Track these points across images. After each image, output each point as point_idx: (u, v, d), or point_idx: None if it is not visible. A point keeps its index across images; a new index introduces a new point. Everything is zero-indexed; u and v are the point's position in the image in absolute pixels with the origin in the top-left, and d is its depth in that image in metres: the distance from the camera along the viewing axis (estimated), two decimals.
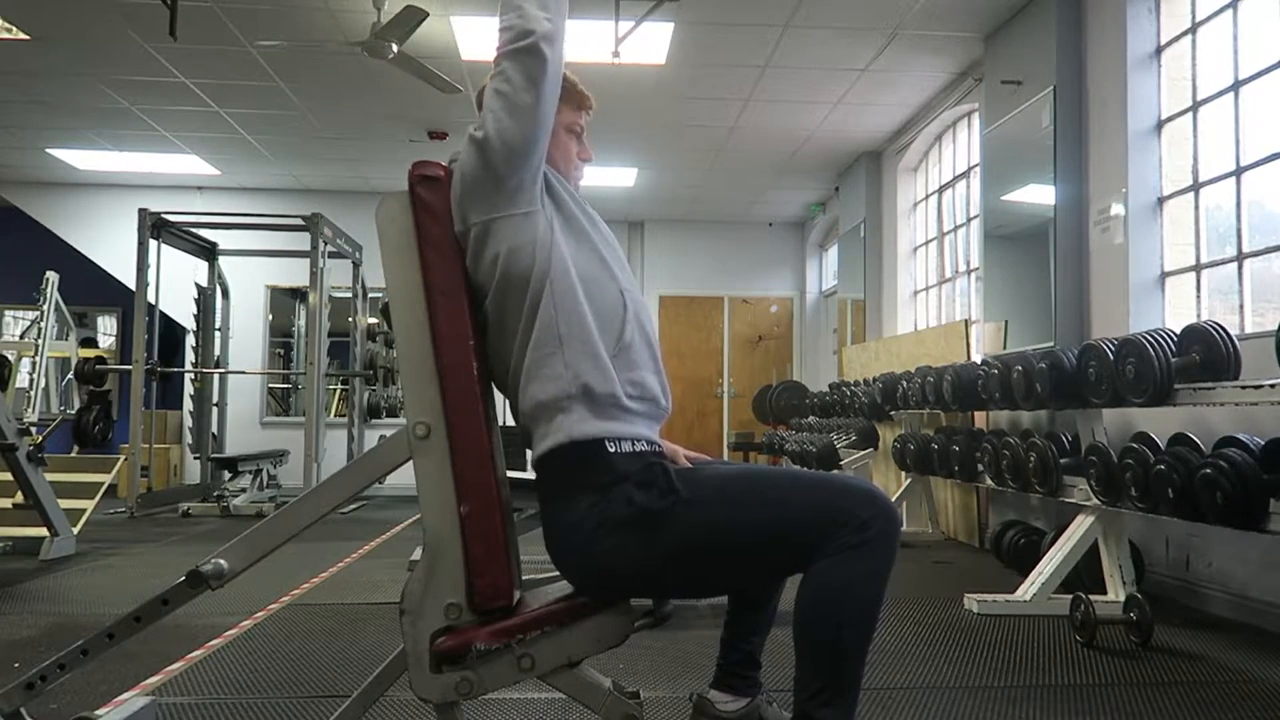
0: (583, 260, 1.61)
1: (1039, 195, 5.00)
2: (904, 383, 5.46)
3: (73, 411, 7.33)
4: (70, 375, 7.82)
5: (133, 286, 7.09)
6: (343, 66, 5.97)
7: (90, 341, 10.12)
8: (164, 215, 7.15)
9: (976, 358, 5.41)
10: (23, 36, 5.62)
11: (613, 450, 1.54)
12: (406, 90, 6.15)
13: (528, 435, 1.62)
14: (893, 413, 5.93)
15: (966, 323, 5.78)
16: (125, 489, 7.17)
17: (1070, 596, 3.30)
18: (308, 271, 7.04)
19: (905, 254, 7.64)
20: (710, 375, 10.35)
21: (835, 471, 5.81)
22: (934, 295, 7.19)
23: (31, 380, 7.08)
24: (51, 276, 7.22)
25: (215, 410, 8.13)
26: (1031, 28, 5.03)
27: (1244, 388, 2.93)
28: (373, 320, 8.70)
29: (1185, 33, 4.28)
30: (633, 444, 1.57)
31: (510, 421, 1.69)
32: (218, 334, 8.25)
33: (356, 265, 8.34)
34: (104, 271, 9.08)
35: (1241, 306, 3.91)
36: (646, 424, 1.62)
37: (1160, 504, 3.16)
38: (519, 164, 1.55)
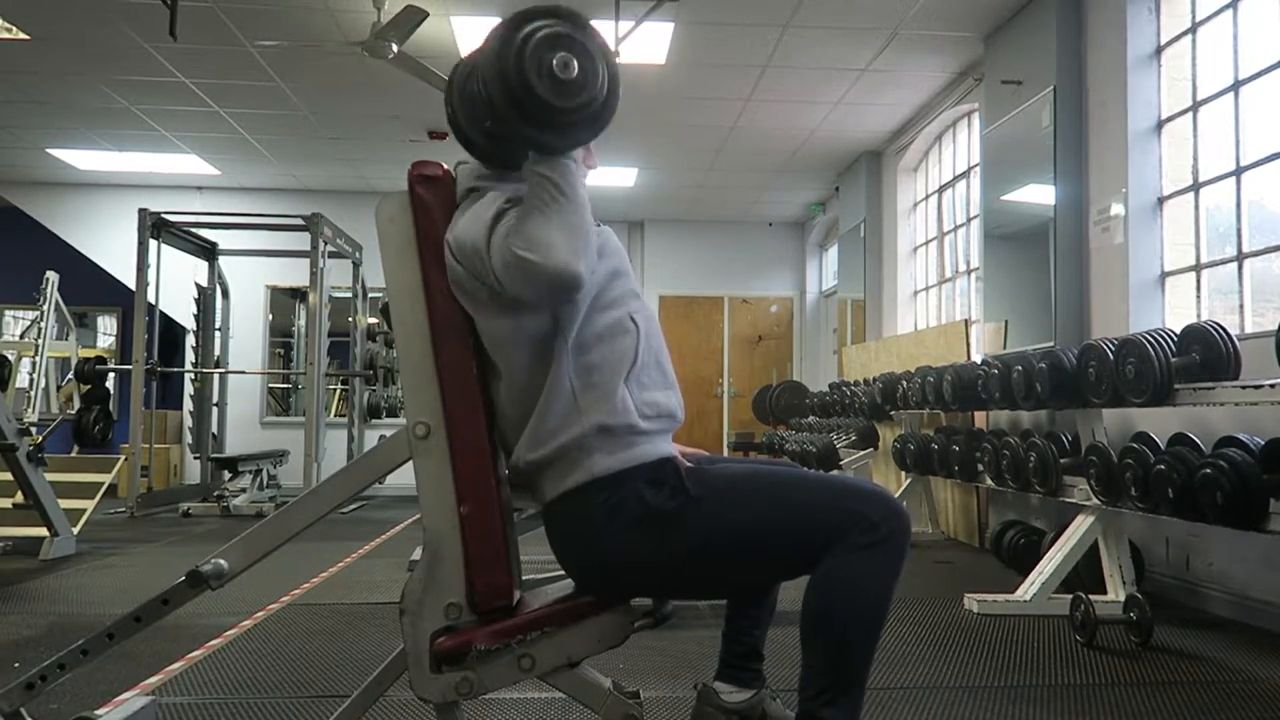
0: (590, 288, 1.54)
1: (1039, 195, 5.00)
2: (904, 383, 5.46)
3: (73, 411, 7.34)
4: (70, 376, 7.83)
5: (133, 286, 7.09)
6: (343, 66, 5.97)
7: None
8: (164, 215, 7.15)
9: (976, 358, 5.41)
10: (23, 36, 5.61)
11: (627, 469, 1.53)
12: (406, 90, 6.14)
13: (532, 481, 1.58)
14: (893, 413, 5.93)
15: (966, 323, 5.78)
16: (125, 489, 7.17)
17: (1070, 596, 3.30)
18: (308, 271, 7.04)
19: (905, 254, 7.63)
20: (710, 375, 10.35)
21: (844, 473, 5.81)
22: (934, 295, 7.19)
23: (31, 380, 7.09)
24: (51, 276, 7.24)
25: (215, 410, 8.12)
26: (1031, 28, 5.03)
27: (1244, 388, 2.93)
28: (373, 320, 8.70)
29: (1185, 33, 4.28)
30: (647, 461, 1.55)
31: None
32: (218, 334, 8.24)
33: (356, 265, 8.34)
34: (104, 271, 9.08)
35: (1241, 306, 3.91)
36: (663, 439, 1.60)
37: (1160, 504, 3.16)
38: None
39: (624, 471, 1.52)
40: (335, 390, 10.12)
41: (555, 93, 1.42)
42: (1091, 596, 3.23)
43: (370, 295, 8.67)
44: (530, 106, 1.42)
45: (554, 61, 1.42)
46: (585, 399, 1.53)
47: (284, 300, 9.86)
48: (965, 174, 6.55)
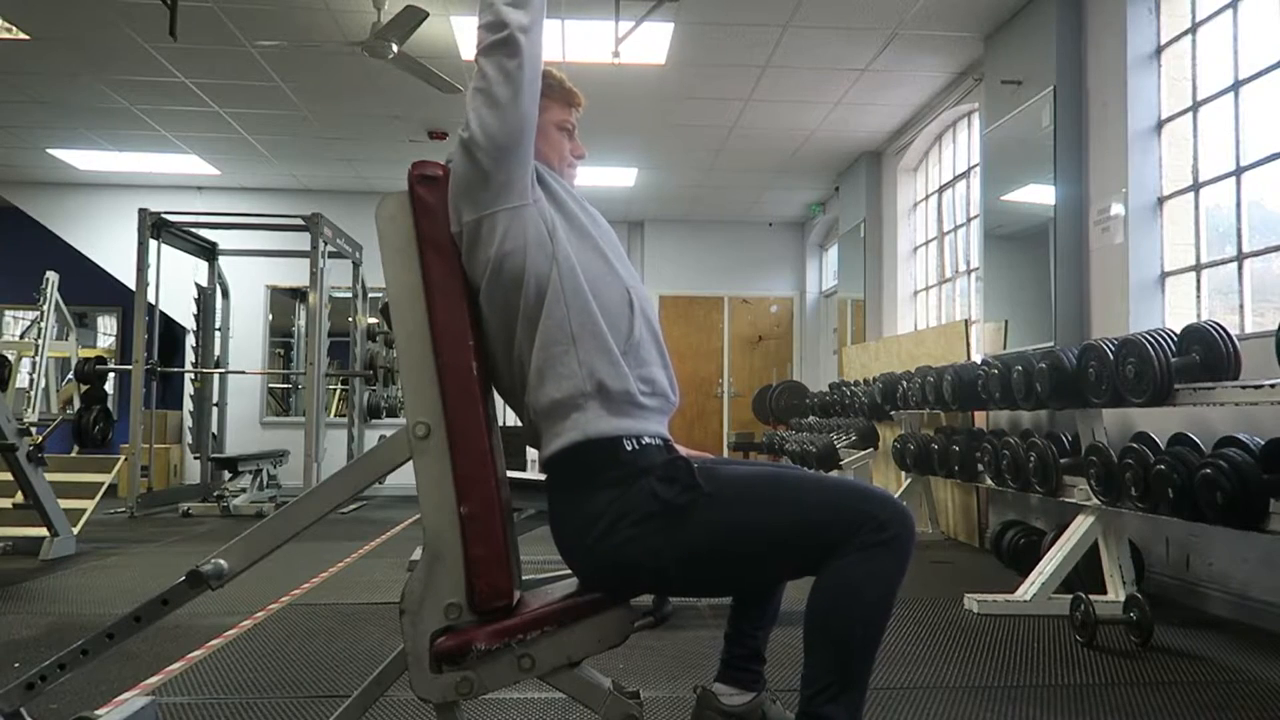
0: (585, 257, 1.61)
1: (1039, 195, 5.00)
2: (904, 383, 5.46)
3: (73, 411, 7.34)
4: (70, 376, 7.83)
5: (133, 286, 7.09)
6: (343, 66, 5.97)
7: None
8: (164, 215, 7.15)
9: (976, 358, 5.41)
10: (23, 36, 5.61)
11: (630, 448, 1.55)
12: (406, 90, 6.14)
13: (536, 434, 1.61)
14: (893, 413, 5.93)
15: (966, 323, 5.78)
16: (125, 489, 7.17)
17: (1070, 596, 3.30)
18: (308, 271, 7.05)
19: (905, 254, 7.64)
20: (710, 375, 10.35)
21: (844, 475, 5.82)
22: (934, 295, 7.19)
23: (31, 380, 7.09)
24: (51, 276, 7.24)
25: (215, 410, 8.13)
26: (1031, 28, 5.03)
27: (1244, 388, 2.93)
28: (373, 320, 8.70)
29: (1185, 33, 4.28)
30: (649, 440, 1.58)
31: (510, 421, 1.68)
32: (218, 334, 8.25)
33: (356, 265, 8.34)
34: (104, 271, 9.08)
35: (1241, 306, 3.91)
36: (659, 419, 1.63)
37: (1160, 504, 3.16)
38: (504, 159, 1.54)
39: (618, 440, 1.54)
40: (335, 390, 10.12)
41: None
42: (1091, 596, 3.23)
43: (370, 295, 8.67)
44: None
45: None
46: (583, 346, 1.55)
47: (284, 300, 9.86)
48: (965, 174, 6.55)
